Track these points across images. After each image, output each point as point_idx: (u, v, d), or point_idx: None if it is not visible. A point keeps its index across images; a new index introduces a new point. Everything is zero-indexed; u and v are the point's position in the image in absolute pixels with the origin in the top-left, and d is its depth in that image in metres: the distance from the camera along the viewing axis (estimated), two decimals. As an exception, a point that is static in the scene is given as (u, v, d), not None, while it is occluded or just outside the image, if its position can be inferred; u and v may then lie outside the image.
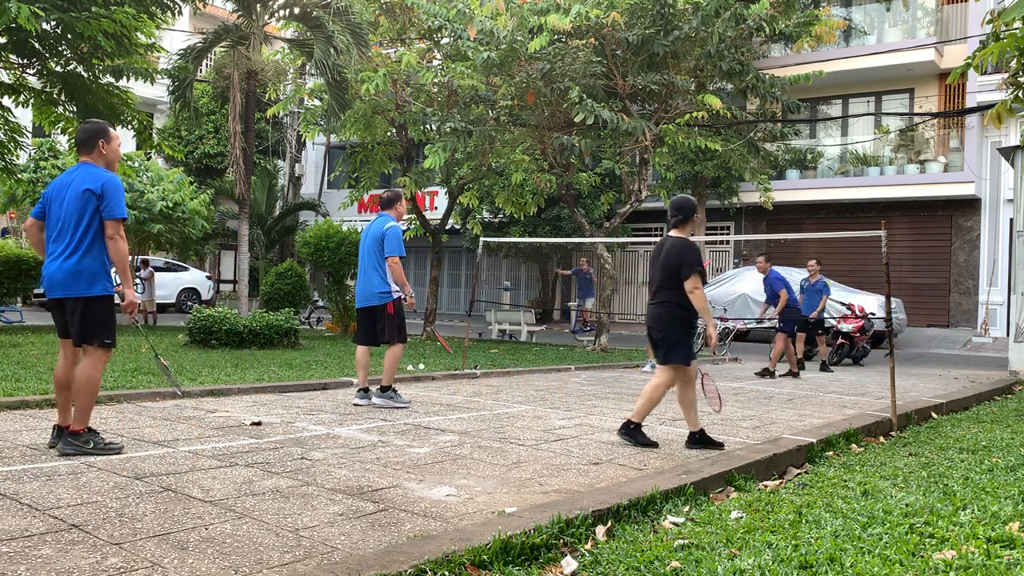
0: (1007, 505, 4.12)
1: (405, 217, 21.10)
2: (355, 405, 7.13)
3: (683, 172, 21.42)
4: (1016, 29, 7.01)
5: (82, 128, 4.89)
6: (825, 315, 13.17)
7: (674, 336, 5.54)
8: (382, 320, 7.16)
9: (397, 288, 7.19)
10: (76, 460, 4.51)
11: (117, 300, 4.80)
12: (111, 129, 4.96)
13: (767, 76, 14.40)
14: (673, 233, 5.71)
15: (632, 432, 5.60)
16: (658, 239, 6.96)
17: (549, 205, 21.94)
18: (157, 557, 3.00)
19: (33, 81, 13.22)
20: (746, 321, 15.68)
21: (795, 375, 11.57)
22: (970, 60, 7.27)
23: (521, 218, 20.35)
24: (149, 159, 18.03)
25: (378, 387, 7.24)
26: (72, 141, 13.58)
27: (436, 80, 15.80)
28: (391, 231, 7.17)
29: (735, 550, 3.35)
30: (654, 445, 5.54)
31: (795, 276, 15.13)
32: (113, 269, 4.75)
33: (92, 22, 10.96)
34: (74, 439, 4.57)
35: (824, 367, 12.77)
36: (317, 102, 18.73)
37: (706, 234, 22.05)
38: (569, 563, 3.15)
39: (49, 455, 4.62)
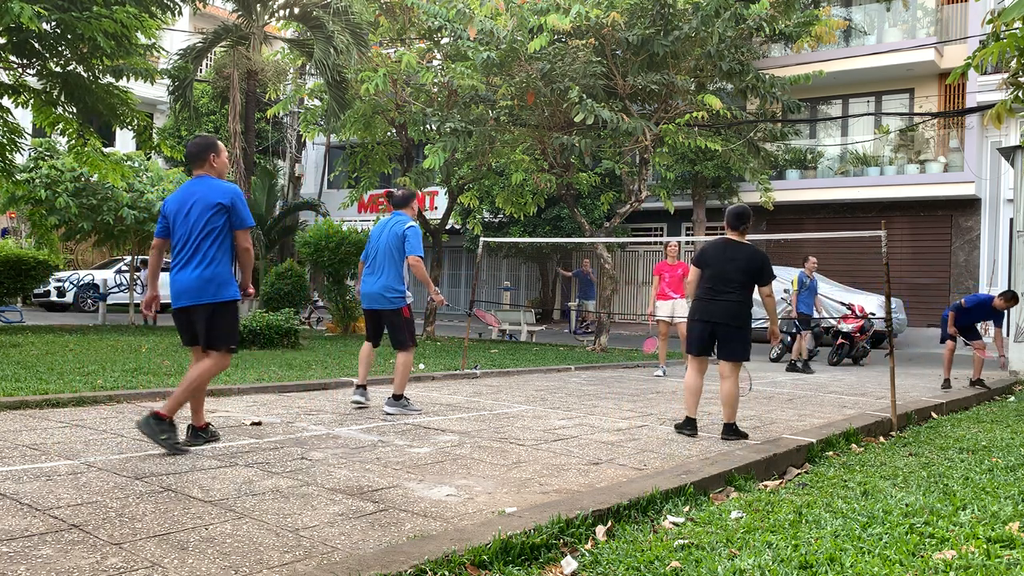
0: (1007, 505, 4.13)
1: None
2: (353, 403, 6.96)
3: (683, 172, 21.41)
4: (1016, 29, 7.01)
5: (193, 142, 5.10)
6: (815, 314, 13.20)
7: (747, 332, 5.96)
8: (394, 323, 6.78)
9: (410, 292, 6.87)
10: (76, 460, 4.52)
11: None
12: (220, 143, 5.20)
13: (767, 76, 14.39)
14: (740, 238, 6.09)
15: (733, 431, 6.01)
16: (664, 239, 7.45)
17: (549, 205, 21.93)
18: (157, 557, 3.00)
19: (33, 81, 13.20)
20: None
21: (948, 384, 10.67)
22: (970, 60, 7.28)
23: (521, 218, 20.34)
24: (149, 159, 17.99)
25: (390, 395, 6.81)
26: (71, 142, 13.54)
27: (436, 80, 15.81)
28: (412, 230, 6.81)
29: (735, 550, 3.35)
30: (746, 436, 5.99)
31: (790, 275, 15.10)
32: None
33: (93, 22, 10.94)
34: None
35: (792, 366, 12.58)
36: (317, 102, 18.75)
37: (706, 234, 22.04)
38: (569, 563, 3.15)
39: (49, 455, 4.63)
